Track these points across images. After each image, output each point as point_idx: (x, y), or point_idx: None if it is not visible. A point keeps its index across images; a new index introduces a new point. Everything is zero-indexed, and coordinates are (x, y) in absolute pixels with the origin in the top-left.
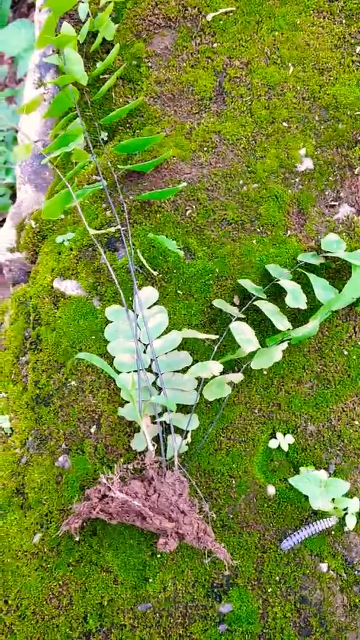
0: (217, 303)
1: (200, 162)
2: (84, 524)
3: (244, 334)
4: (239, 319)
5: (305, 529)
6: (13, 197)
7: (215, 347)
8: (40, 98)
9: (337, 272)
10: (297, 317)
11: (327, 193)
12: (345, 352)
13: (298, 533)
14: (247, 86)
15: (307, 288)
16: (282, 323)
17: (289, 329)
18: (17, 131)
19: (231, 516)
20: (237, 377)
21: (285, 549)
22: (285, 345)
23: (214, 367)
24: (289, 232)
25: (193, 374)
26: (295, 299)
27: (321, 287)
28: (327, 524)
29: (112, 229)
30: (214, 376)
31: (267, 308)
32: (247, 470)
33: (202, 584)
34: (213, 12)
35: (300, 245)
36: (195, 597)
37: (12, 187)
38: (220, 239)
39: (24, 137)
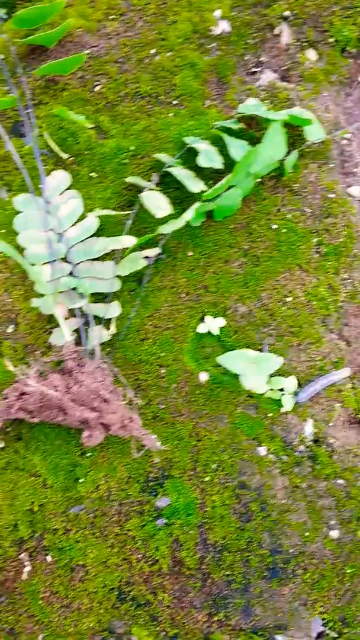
0: (131, 179)
1: (107, 32)
2: (7, 428)
3: (155, 201)
4: (151, 189)
5: (320, 379)
6: None
7: (129, 223)
8: None
9: (260, 141)
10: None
11: (247, 58)
12: (274, 226)
13: (314, 383)
14: None
15: (229, 158)
16: (196, 185)
17: (203, 191)
18: None
19: (162, 407)
20: (154, 252)
21: (303, 400)
22: (197, 204)
23: (127, 240)
24: (207, 102)
25: (103, 246)
26: (209, 158)
27: (238, 146)
28: (341, 375)
29: (8, 98)
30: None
31: (180, 173)
32: (177, 358)
33: (136, 479)
34: None
35: (220, 116)
36: (130, 493)
37: None
38: (134, 115)
39: None
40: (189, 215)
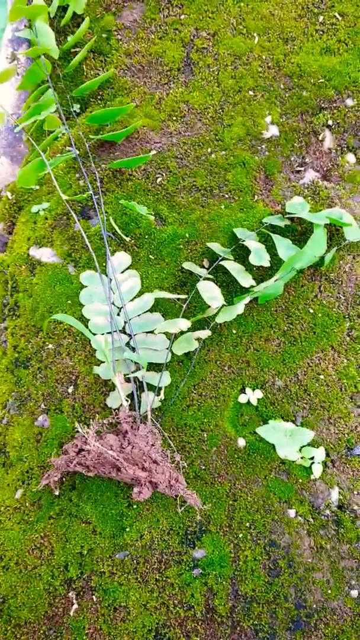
0: (187, 265)
1: (170, 131)
2: (63, 478)
3: (210, 292)
4: (206, 278)
5: None
6: None
7: (184, 306)
8: (13, 68)
9: (302, 235)
10: (264, 279)
11: (292, 159)
12: (311, 311)
13: None
14: (213, 56)
15: (273, 250)
16: (246, 280)
17: (252, 286)
18: None
19: (203, 467)
20: (205, 334)
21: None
22: (247, 299)
23: (182, 323)
24: (256, 197)
25: (162, 329)
26: (259, 257)
27: (284, 246)
28: None
29: (85, 195)
30: (183, 333)
31: (233, 267)
32: (218, 424)
33: (177, 532)
34: None
35: (267, 210)
36: (170, 544)
37: None
38: (189, 205)
39: None
40: (240, 309)
